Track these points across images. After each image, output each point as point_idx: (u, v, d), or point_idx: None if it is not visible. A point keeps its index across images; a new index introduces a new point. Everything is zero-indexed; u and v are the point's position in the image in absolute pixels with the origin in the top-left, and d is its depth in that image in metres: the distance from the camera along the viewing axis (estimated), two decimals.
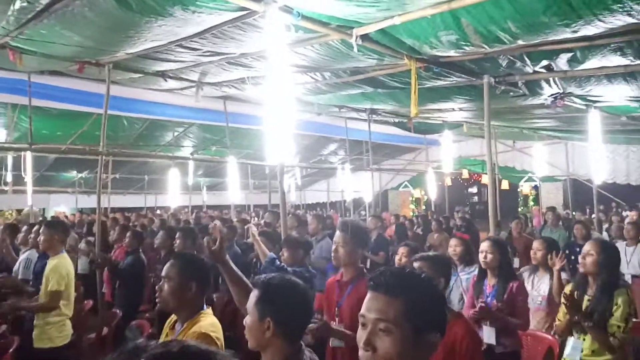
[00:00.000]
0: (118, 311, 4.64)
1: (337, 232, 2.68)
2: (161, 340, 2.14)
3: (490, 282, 3.27)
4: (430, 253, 2.87)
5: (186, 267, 2.18)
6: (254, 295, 1.67)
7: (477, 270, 3.47)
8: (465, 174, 17.29)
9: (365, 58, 4.47)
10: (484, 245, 3.34)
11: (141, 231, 6.21)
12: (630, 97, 5.68)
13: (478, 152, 14.00)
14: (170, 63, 5.22)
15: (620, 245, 5.85)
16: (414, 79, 4.50)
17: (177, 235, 4.50)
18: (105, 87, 5.26)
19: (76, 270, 6.20)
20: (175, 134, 10.42)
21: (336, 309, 2.61)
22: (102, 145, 5.45)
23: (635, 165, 12.71)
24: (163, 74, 5.75)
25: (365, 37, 3.77)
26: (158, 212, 14.67)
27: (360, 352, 1.15)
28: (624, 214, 10.78)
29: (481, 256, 3.32)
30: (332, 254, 2.67)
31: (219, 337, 2.04)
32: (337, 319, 2.58)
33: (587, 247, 2.87)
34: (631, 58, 4.08)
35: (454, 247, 4.04)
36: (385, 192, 18.46)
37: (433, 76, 5.05)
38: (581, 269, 2.85)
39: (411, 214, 16.64)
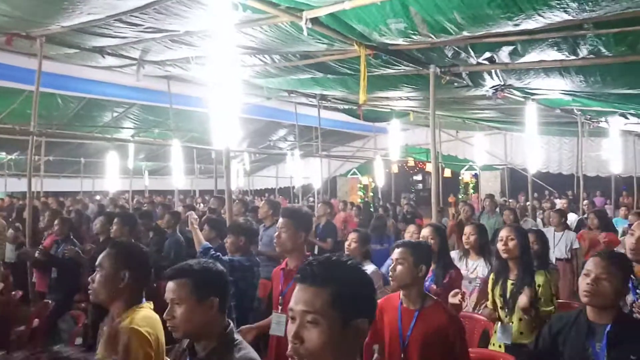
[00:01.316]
0: (50, 302, 4.37)
1: (280, 218, 2.65)
2: (101, 337, 2.04)
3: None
4: (413, 240, 2.90)
5: (119, 256, 2.04)
6: (183, 285, 1.68)
7: None
8: (411, 161, 17.77)
9: (315, 42, 4.42)
10: (426, 231, 3.43)
11: (70, 217, 5.87)
12: (564, 90, 6.01)
13: (423, 140, 14.40)
14: (109, 39, 4.92)
15: (549, 230, 6.24)
16: (363, 66, 4.51)
17: (115, 220, 4.29)
18: (37, 62, 4.88)
19: (4, 258, 5.80)
20: (115, 114, 9.91)
21: (280, 297, 2.60)
22: (34, 125, 5.09)
23: (567, 155, 13.59)
24: (101, 50, 5.41)
25: (315, 20, 3.71)
26: (98, 197, 13.97)
27: (289, 346, 1.13)
28: (556, 201, 11.49)
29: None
30: (275, 240, 2.63)
31: (152, 331, 1.91)
32: (280, 308, 2.56)
33: (506, 232, 3.00)
34: (566, 53, 4.30)
35: (411, 234, 4.12)
36: (334, 179, 18.62)
37: (382, 64, 5.08)
38: (504, 255, 2.96)
39: (359, 200, 16.92)
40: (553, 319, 2.25)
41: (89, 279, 2.10)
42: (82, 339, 3.77)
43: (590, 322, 2.01)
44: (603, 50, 4.10)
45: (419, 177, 23.51)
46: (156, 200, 11.19)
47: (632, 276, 2.52)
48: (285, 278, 2.63)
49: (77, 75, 6.76)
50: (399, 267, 2.35)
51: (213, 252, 3.30)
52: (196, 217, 3.48)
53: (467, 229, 3.96)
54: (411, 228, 3.58)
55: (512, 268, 2.94)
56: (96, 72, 6.63)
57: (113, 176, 9.35)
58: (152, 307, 2.07)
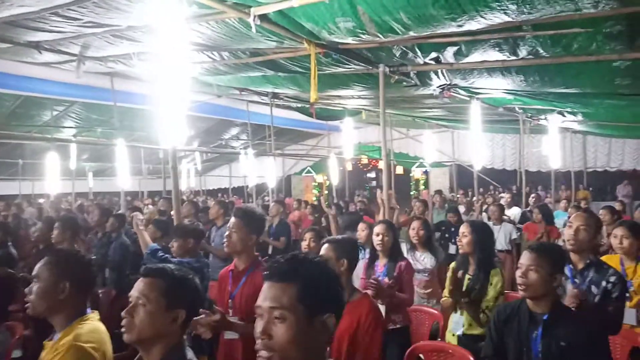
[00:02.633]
0: None
1: (232, 218, 2.60)
2: (43, 353, 1.89)
3: (381, 262, 3.43)
4: (338, 236, 2.91)
5: (58, 265, 1.89)
6: (155, 284, 1.57)
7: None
8: (364, 159, 18.02)
9: (265, 39, 4.36)
10: (380, 228, 3.48)
11: (6, 222, 5.51)
12: (506, 89, 6.28)
13: (376, 138, 14.64)
14: (46, 33, 4.64)
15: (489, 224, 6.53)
16: (313, 64, 4.50)
17: (55, 225, 4.06)
18: None
19: None
20: (55, 113, 9.38)
21: (230, 300, 2.54)
22: None
23: (510, 152, 14.25)
24: (37, 45, 5.09)
25: (264, 17, 3.66)
26: (42, 200, 13.17)
27: (257, 342, 1.14)
28: (500, 195, 12.01)
29: (377, 239, 3.45)
30: (225, 240, 2.57)
31: (97, 347, 1.79)
32: (230, 311, 2.51)
33: (462, 228, 3.11)
34: (507, 54, 4.48)
35: (359, 231, 4.17)
36: (288, 177, 18.57)
37: (332, 62, 5.10)
38: (460, 250, 3.07)
39: (314, 199, 16.96)
40: (499, 308, 2.33)
41: (25, 290, 1.93)
42: (22, 352, 3.55)
43: (531, 312, 2.11)
44: (541, 51, 4.31)
45: (372, 175, 23.89)
46: (85, 203, 10.64)
47: (570, 265, 2.67)
48: (234, 280, 2.57)
49: (12, 72, 6.36)
50: None
51: (161, 253, 3.19)
52: (142, 217, 3.35)
53: (415, 224, 4.06)
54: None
55: (472, 263, 3.04)
56: (33, 68, 6.26)
57: (54, 178, 8.85)
58: (97, 317, 1.94)
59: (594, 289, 2.53)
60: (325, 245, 2.46)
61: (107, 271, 4.74)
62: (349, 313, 2.29)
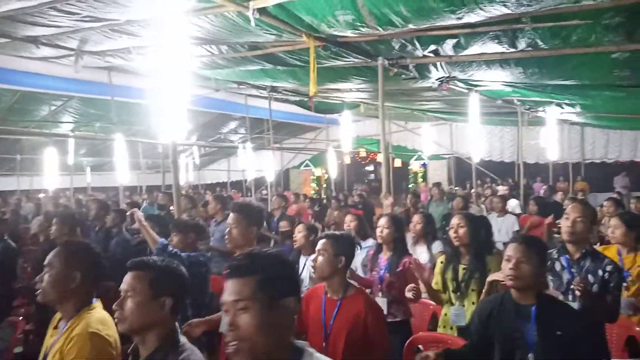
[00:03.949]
0: None
1: (231, 213, 2.61)
2: (45, 340, 1.94)
3: (384, 255, 3.43)
4: (337, 232, 2.93)
5: (71, 256, 1.98)
6: (141, 276, 1.67)
7: (369, 243, 3.61)
8: (362, 152, 18.02)
9: (264, 33, 4.36)
10: (382, 221, 3.49)
11: (6, 218, 5.51)
12: (504, 82, 6.29)
13: (374, 131, 14.64)
14: (44, 28, 4.62)
15: (492, 216, 6.55)
16: (312, 58, 4.50)
17: (54, 220, 4.06)
18: None
19: None
20: (53, 108, 9.34)
21: None
22: None
23: (508, 144, 14.28)
24: (35, 40, 5.08)
25: (262, 11, 3.65)
26: (40, 195, 13.15)
27: (226, 335, 1.24)
28: (498, 188, 12.04)
29: (378, 231, 3.46)
30: (226, 236, 2.59)
31: (110, 333, 1.88)
32: None
33: (456, 220, 3.08)
34: (506, 46, 4.48)
35: (348, 223, 4.20)
36: (286, 171, 18.57)
37: (331, 56, 5.10)
38: (455, 242, 3.06)
39: (312, 192, 16.98)
40: (480, 306, 2.35)
41: (36, 278, 2.01)
42: (23, 347, 3.56)
43: (517, 304, 2.12)
44: (540, 43, 4.31)
45: (370, 168, 23.89)
46: (92, 198, 10.60)
47: (566, 255, 2.70)
48: None
49: (10, 67, 6.33)
50: (319, 259, 2.42)
51: (171, 248, 3.20)
52: (141, 214, 3.36)
53: (415, 218, 4.07)
54: (348, 218, 3.65)
55: (464, 253, 3.04)
56: (31, 63, 6.23)
57: (52, 173, 8.84)
58: (102, 306, 2.01)
59: (590, 278, 2.56)
60: (323, 241, 2.47)
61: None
62: (344, 309, 2.35)
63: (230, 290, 1.27)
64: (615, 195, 7.38)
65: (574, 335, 2.00)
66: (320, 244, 2.47)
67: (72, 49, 5.45)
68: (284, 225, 5.08)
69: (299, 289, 1.35)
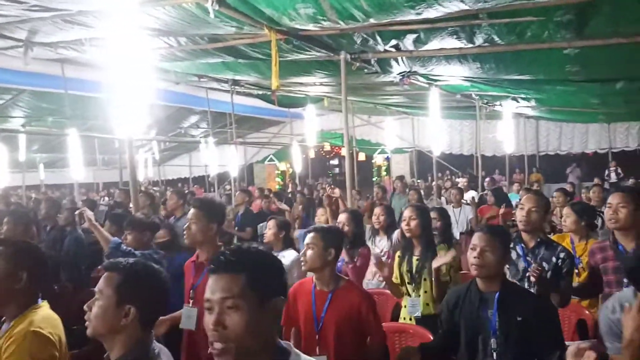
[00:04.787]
0: None
1: (191, 209, 2.57)
2: None
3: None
4: (325, 225, 2.93)
5: (17, 255, 1.91)
6: (110, 279, 1.57)
7: None
8: (327, 146, 18.08)
9: (224, 25, 4.27)
10: (342, 218, 3.54)
11: None
12: (463, 76, 6.44)
13: (338, 125, 14.70)
14: None
15: (449, 207, 6.73)
16: (274, 51, 4.45)
17: (6, 220, 3.86)
18: None
19: None
20: (1, 102, 8.85)
21: (192, 290, 2.53)
22: None
23: (468, 137, 14.67)
24: None
25: (222, 2, 3.57)
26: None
27: (210, 334, 1.16)
28: (457, 180, 12.36)
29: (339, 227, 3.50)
30: (185, 232, 2.55)
31: (54, 332, 1.82)
32: (191, 301, 2.50)
33: (408, 212, 3.16)
34: (464, 41, 4.59)
35: (318, 217, 4.22)
36: (250, 166, 18.39)
37: (294, 49, 5.06)
38: (407, 234, 3.14)
39: (277, 187, 16.90)
40: (448, 294, 2.42)
41: None
42: None
43: (482, 292, 2.19)
44: (496, 39, 4.44)
45: (335, 162, 24.03)
46: (38, 195, 10.18)
47: (522, 244, 2.80)
48: (196, 271, 2.55)
49: None
50: (309, 252, 2.42)
51: (124, 246, 3.11)
52: (91, 212, 3.23)
53: (377, 210, 4.14)
54: (319, 211, 3.69)
55: (416, 245, 3.12)
56: None
57: (1, 170, 8.40)
58: (48, 306, 1.95)
59: (545, 265, 2.67)
60: (312, 234, 2.46)
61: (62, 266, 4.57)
62: (336, 300, 2.36)
63: (216, 287, 1.18)
64: (565, 186, 7.73)
65: (534, 320, 2.07)
66: (309, 237, 2.46)
67: (20, 40, 5.16)
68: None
69: (287, 289, 1.32)
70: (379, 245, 4.10)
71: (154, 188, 13.50)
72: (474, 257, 2.16)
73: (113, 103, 3.23)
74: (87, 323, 1.57)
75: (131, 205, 3.79)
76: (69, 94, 7.13)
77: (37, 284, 1.94)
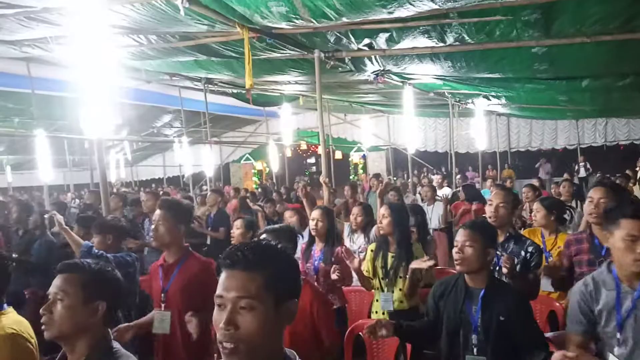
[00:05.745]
0: None
1: (157, 210, 2.53)
2: None
3: (318, 246, 3.49)
4: (276, 225, 2.92)
5: None
6: (72, 279, 1.57)
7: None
8: (303, 145, 18.06)
9: (195, 23, 4.21)
10: (315, 214, 3.53)
11: None
12: (435, 75, 6.52)
13: (314, 124, 14.70)
14: None
15: (424, 204, 6.82)
16: (247, 49, 4.41)
17: None
18: None
19: None
20: None
21: (162, 294, 2.48)
22: None
23: (442, 135, 14.90)
24: None
25: (192, 0, 3.53)
26: None
27: (219, 333, 1.10)
28: (432, 177, 12.51)
29: (312, 223, 3.50)
30: (152, 234, 2.50)
31: (25, 334, 1.80)
32: (163, 305, 2.46)
33: (382, 211, 3.22)
34: (436, 40, 4.64)
35: (287, 220, 4.22)
36: (226, 165, 18.22)
37: (267, 47, 5.03)
38: (380, 232, 3.19)
39: (254, 186, 16.80)
40: (436, 284, 2.42)
41: None
42: None
43: (468, 287, 2.20)
44: (466, 38, 4.51)
45: (312, 160, 24.02)
46: (5, 199, 9.84)
47: None
48: (165, 274, 2.51)
49: None
50: None
51: (96, 250, 3.03)
52: (61, 216, 3.14)
53: (355, 210, 4.16)
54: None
55: (392, 242, 3.15)
56: None
57: None
58: (14, 312, 1.91)
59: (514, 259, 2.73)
60: (266, 236, 2.45)
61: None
62: None
63: (230, 284, 1.10)
64: (533, 182, 7.92)
65: (515, 320, 2.09)
66: (262, 238, 2.45)
67: None
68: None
69: (300, 291, 1.24)
70: (357, 242, 4.12)
71: (124, 189, 13.22)
72: (455, 252, 2.18)
73: (82, 103, 3.15)
74: (44, 327, 1.55)
75: (102, 207, 3.70)
76: (36, 93, 6.92)
77: (1, 290, 1.90)
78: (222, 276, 1.14)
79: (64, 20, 4.17)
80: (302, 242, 3.68)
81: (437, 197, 6.81)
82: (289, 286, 1.17)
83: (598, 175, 11.75)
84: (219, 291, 1.12)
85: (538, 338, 2.14)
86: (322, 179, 5.24)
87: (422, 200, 7.15)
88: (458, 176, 9.92)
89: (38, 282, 4.39)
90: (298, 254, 3.95)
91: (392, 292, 3.09)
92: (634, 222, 1.76)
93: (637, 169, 11.55)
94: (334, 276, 3.00)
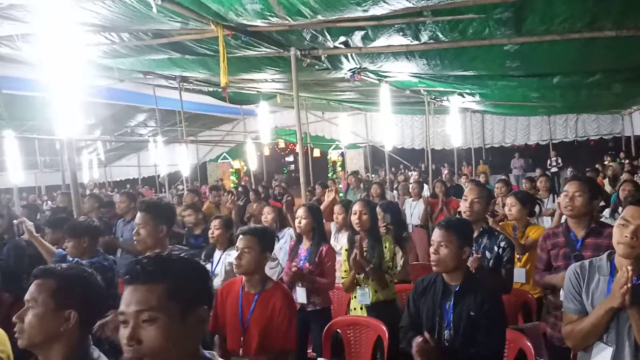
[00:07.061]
0: None
1: (138, 213, 2.49)
2: None
3: (304, 246, 3.47)
4: (258, 226, 2.90)
5: None
6: (43, 285, 1.51)
7: (287, 234, 3.64)
8: (281, 143, 18.00)
9: (168, 20, 4.13)
10: (299, 212, 3.51)
11: None
12: (411, 73, 6.58)
13: (292, 122, 14.67)
14: None
15: (407, 200, 6.89)
16: (222, 47, 4.37)
17: None
18: None
19: None
20: None
21: None
22: None
23: (418, 132, 15.07)
24: None
25: None
26: None
27: (125, 350, 1.09)
28: (409, 174, 12.65)
29: (296, 222, 3.49)
30: (134, 237, 2.46)
31: (3, 348, 1.77)
32: None
33: (359, 207, 3.25)
34: (410, 38, 4.68)
35: (265, 215, 4.20)
36: (204, 165, 18.03)
37: (242, 45, 4.98)
38: (357, 228, 3.22)
39: (232, 185, 16.66)
40: (419, 280, 2.45)
41: None
42: None
43: (446, 284, 2.24)
44: (440, 36, 4.56)
45: (290, 159, 23.95)
46: None
47: None
48: None
49: None
50: (246, 256, 2.39)
51: (70, 258, 2.95)
52: (31, 223, 3.04)
53: (336, 209, 4.15)
54: (266, 209, 3.66)
55: (364, 238, 3.18)
56: None
57: None
58: None
59: (487, 254, 2.79)
60: (248, 237, 2.42)
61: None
62: (262, 302, 2.36)
63: (132, 298, 1.09)
64: (505, 177, 8.10)
65: (485, 314, 2.12)
66: (245, 240, 2.41)
67: None
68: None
69: (212, 297, 1.25)
70: (340, 241, 4.11)
71: (96, 190, 12.94)
72: (432, 253, 2.21)
73: (51, 102, 3.06)
74: (17, 335, 1.50)
75: (73, 208, 3.60)
76: (4, 93, 6.70)
77: None
78: (124, 292, 1.13)
79: (31, 17, 4.05)
80: (290, 241, 3.68)
81: (424, 194, 6.89)
82: (196, 293, 1.16)
83: (570, 170, 12.06)
84: (121, 308, 1.12)
85: (492, 342, 2.15)
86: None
87: (397, 197, 7.21)
88: (445, 172, 9.97)
89: (6, 287, 4.27)
90: (274, 255, 3.94)
91: (367, 285, 3.13)
92: (633, 208, 1.78)
93: (606, 163, 11.93)
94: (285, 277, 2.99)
